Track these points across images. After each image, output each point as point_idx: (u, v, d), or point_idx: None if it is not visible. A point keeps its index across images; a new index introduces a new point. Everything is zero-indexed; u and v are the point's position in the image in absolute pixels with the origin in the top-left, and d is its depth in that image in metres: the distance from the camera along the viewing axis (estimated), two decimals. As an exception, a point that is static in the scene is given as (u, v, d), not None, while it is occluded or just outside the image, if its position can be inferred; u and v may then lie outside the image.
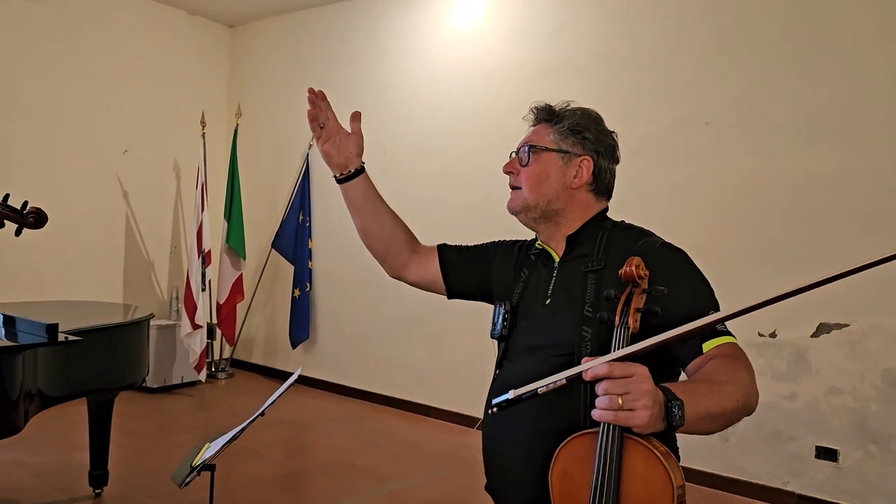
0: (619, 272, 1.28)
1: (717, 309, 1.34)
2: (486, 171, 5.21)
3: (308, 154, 6.31)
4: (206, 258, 6.07)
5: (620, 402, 1.08)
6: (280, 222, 6.41)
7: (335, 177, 1.73)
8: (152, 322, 5.90)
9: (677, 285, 1.34)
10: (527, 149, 1.54)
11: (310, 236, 6.27)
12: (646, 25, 4.50)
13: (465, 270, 1.76)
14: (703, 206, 4.22)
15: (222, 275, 6.42)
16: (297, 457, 4.76)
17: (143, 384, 5.64)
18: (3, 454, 3.95)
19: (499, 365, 1.58)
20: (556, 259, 1.55)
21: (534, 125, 1.60)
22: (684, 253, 1.46)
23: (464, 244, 1.83)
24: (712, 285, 1.44)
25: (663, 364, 1.35)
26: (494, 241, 1.79)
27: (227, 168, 6.53)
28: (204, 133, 6.23)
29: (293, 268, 6.28)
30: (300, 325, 6.23)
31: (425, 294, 6.36)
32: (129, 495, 3.72)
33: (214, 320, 6.46)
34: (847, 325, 3.74)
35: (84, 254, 5.91)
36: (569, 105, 1.58)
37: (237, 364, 6.76)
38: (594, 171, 1.52)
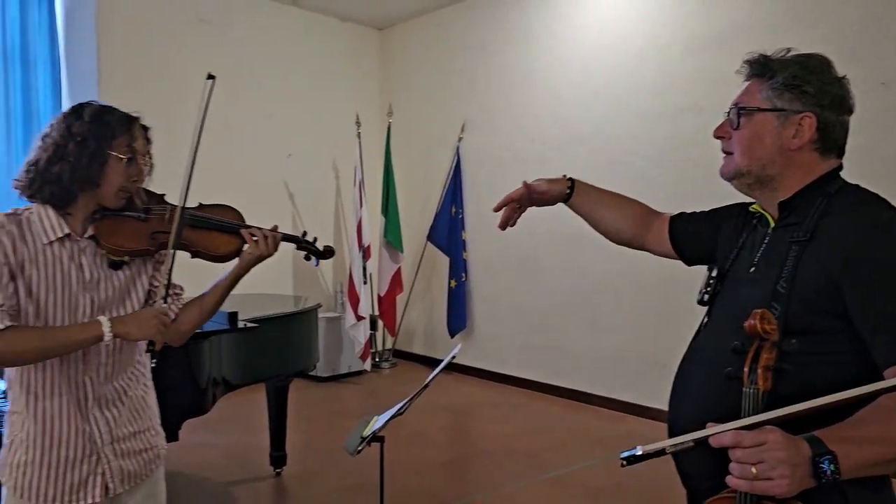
0: (744, 325, 1.14)
1: None
2: (636, 153, 5.07)
3: (458, 147, 6.41)
4: (366, 252, 6.33)
5: (754, 471, 1.03)
6: (434, 215, 6.57)
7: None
8: (320, 314, 6.26)
9: (878, 304, 1.18)
10: (736, 111, 1.40)
11: (463, 228, 6.38)
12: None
13: (694, 238, 1.70)
14: None
15: (382, 268, 6.68)
16: (461, 442, 4.86)
17: (314, 373, 5.98)
18: (195, 436, 4.32)
19: (697, 332, 1.51)
20: (772, 224, 1.42)
21: (746, 81, 1.42)
22: None
23: (702, 210, 1.72)
24: None
25: (865, 364, 1.19)
26: (729, 205, 1.64)
27: (382, 166, 6.78)
28: (359, 133, 6.51)
29: (448, 259, 6.42)
30: (457, 315, 6.36)
31: (582, 280, 6.21)
32: (306, 475, 3.98)
33: (376, 312, 6.73)
34: None
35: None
36: (786, 54, 1.39)
37: (399, 354, 7.01)
38: (819, 128, 1.34)
